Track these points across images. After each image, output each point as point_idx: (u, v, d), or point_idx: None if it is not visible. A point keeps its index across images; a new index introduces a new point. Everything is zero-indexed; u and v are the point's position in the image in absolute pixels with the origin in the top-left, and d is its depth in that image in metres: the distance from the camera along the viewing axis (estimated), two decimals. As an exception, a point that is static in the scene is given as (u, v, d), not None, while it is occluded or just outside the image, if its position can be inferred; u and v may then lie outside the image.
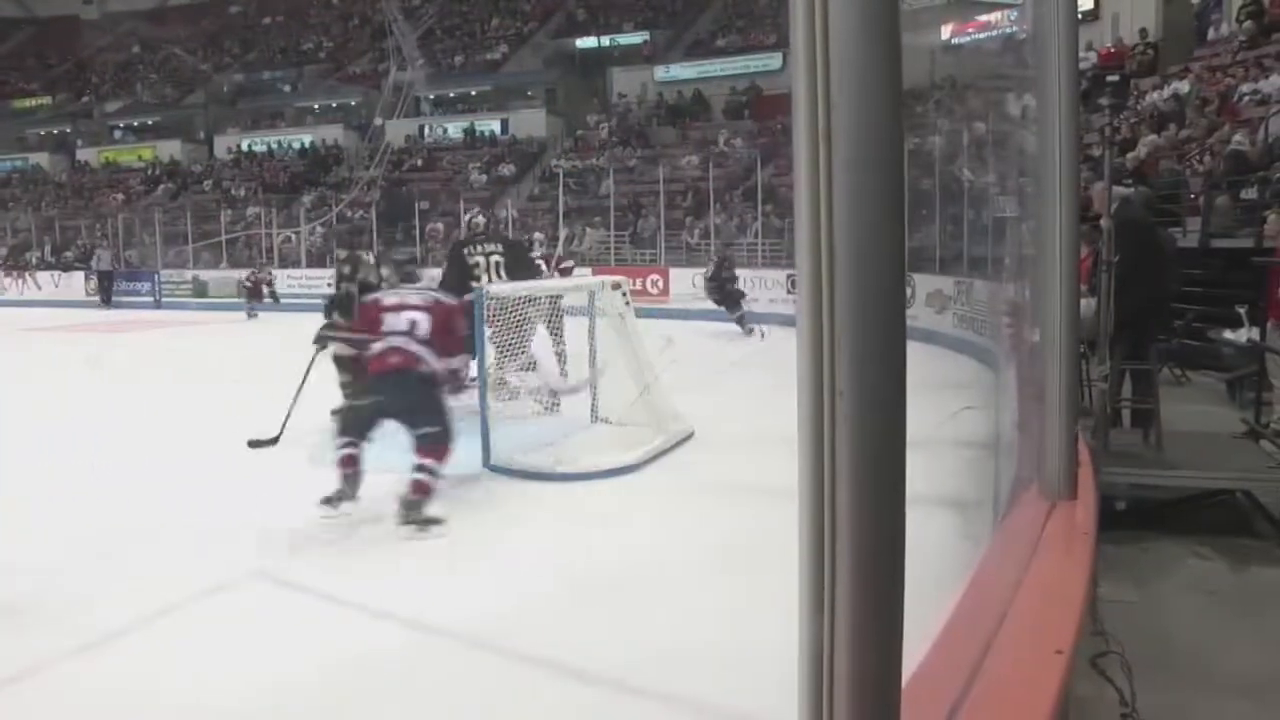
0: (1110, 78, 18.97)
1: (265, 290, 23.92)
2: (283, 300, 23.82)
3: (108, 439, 8.36)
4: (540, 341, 9.19)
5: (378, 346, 6.13)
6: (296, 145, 37.66)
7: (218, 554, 5.37)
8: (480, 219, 10.65)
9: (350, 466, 5.85)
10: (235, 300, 24.82)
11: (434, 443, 5.87)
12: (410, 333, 6.11)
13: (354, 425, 6.03)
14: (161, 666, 4.03)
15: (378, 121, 33.88)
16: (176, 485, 6.90)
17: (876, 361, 1.20)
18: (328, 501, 5.77)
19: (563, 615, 4.49)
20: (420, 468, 5.77)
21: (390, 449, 6.01)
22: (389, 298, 6.39)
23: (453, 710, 3.69)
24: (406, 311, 6.18)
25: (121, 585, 4.92)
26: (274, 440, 7.20)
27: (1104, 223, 6.02)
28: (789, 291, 19.29)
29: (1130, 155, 15.51)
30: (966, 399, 5.43)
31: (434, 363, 6.07)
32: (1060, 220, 3.27)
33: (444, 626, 4.35)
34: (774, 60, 32.14)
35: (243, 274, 25.10)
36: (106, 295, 28.23)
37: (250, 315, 22.96)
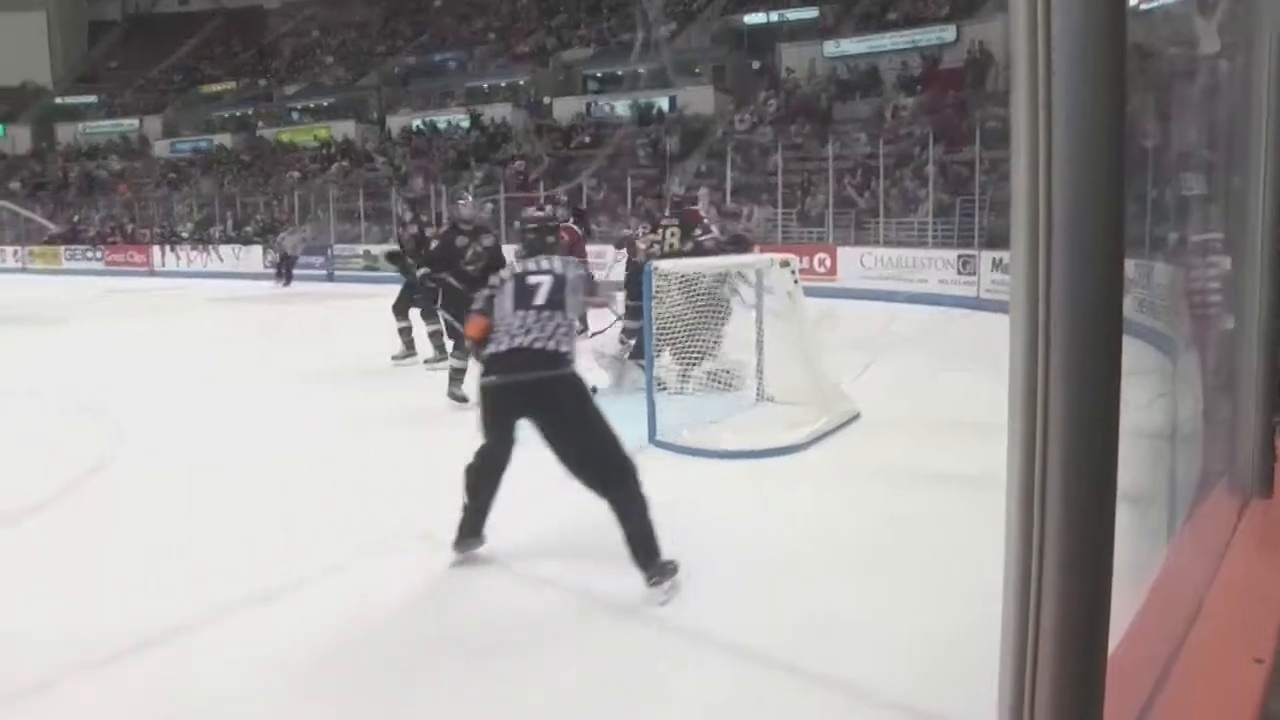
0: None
1: None
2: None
3: (278, 405, 8.76)
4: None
5: None
6: (465, 124, 38.38)
7: (385, 515, 5.58)
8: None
9: None
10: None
11: None
12: None
13: None
14: (326, 622, 4.21)
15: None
16: (349, 445, 7.29)
17: (1092, 350, 1.14)
18: None
19: (723, 592, 4.49)
20: None
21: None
22: None
23: (611, 679, 3.74)
24: None
25: (290, 543, 5.17)
26: None
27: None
28: (959, 272, 18.81)
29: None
30: (1148, 387, 5.17)
31: None
32: (1264, 195, 3.06)
33: (605, 596, 4.43)
34: (948, 32, 31.16)
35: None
36: (287, 276, 28.42)
37: None
